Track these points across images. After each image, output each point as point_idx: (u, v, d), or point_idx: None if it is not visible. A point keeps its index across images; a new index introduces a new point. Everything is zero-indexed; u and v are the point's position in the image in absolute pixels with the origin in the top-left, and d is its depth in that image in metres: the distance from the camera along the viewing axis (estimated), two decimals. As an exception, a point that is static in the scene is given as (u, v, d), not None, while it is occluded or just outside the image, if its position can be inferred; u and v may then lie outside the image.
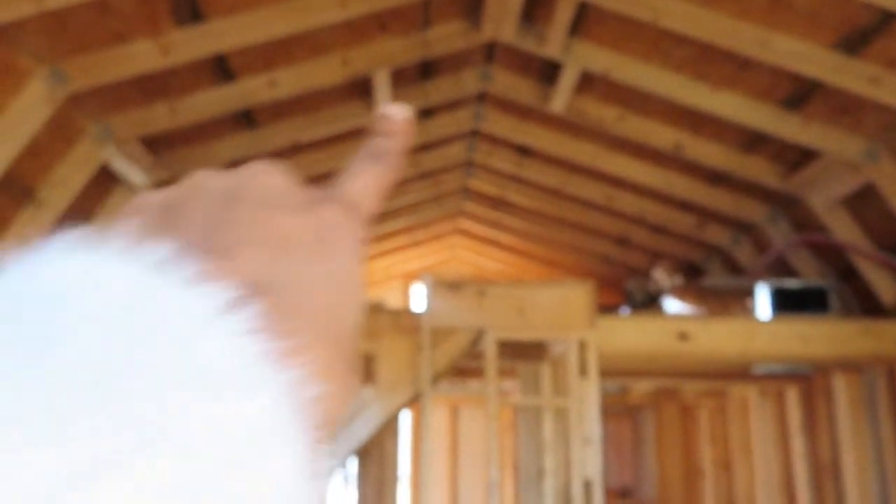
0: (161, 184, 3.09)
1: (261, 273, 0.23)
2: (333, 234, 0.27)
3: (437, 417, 6.27)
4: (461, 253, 6.40)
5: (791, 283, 3.04)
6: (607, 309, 4.02)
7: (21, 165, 2.34)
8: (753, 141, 3.10)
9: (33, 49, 2.14)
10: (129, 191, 2.95)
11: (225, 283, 0.21)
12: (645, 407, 5.98)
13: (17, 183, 2.41)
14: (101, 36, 2.23)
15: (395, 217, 4.92)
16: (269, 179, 0.28)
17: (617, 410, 6.17)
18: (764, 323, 2.77)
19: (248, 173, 0.28)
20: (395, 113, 0.36)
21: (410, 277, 6.61)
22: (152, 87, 2.56)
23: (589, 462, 2.39)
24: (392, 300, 6.46)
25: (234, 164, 3.26)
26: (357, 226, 0.29)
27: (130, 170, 2.83)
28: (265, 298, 0.22)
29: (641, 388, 4.69)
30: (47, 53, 2.18)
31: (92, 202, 2.85)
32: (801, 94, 2.70)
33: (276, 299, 0.23)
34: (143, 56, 2.31)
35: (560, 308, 2.44)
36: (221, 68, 2.63)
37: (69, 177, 2.56)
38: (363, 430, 2.42)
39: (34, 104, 2.22)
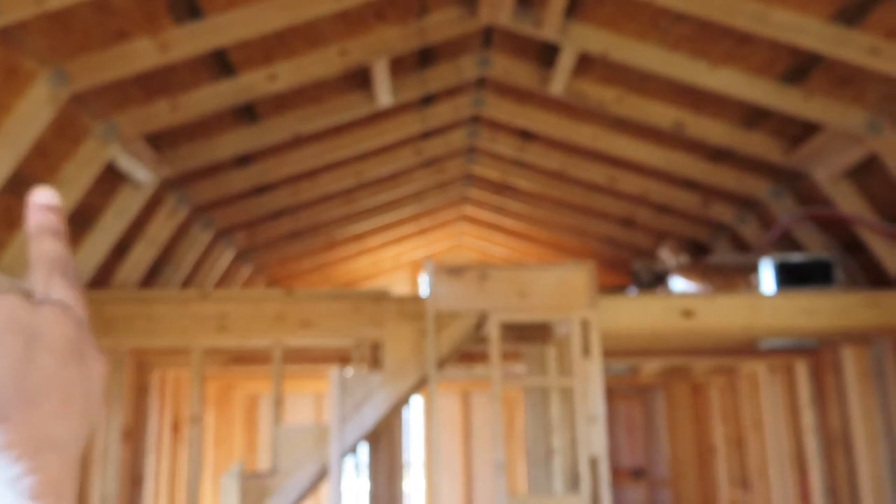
0: (166, 181, 3.12)
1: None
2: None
3: (449, 403, 6.32)
4: (467, 240, 6.42)
5: (795, 257, 3.04)
6: (615, 290, 4.03)
7: (29, 166, 2.38)
8: (755, 116, 3.10)
9: (36, 50, 2.17)
10: (134, 188, 2.98)
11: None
12: (655, 386, 6.00)
13: (26, 183, 2.45)
14: (101, 36, 2.26)
15: (401, 206, 4.95)
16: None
17: (627, 391, 6.20)
18: (768, 297, 2.78)
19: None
20: (42, 198, 0.39)
21: (418, 266, 6.64)
22: (154, 84, 2.58)
23: (594, 440, 2.42)
24: (401, 289, 6.50)
25: (238, 158, 3.29)
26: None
27: (136, 167, 2.87)
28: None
29: (651, 367, 4.70)
30: (49, 54, 2.21)
31: (99, 200, 2.89)
32: (801, 67, 2.69)
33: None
34: (142, 54, 2.34)
35: (560, 289, 2.46)
36: (221, 63, 2.65)
37: (76, 176, 2.59)
38: (372, 415, 2.46)
39: (38, 105, 2.25)
